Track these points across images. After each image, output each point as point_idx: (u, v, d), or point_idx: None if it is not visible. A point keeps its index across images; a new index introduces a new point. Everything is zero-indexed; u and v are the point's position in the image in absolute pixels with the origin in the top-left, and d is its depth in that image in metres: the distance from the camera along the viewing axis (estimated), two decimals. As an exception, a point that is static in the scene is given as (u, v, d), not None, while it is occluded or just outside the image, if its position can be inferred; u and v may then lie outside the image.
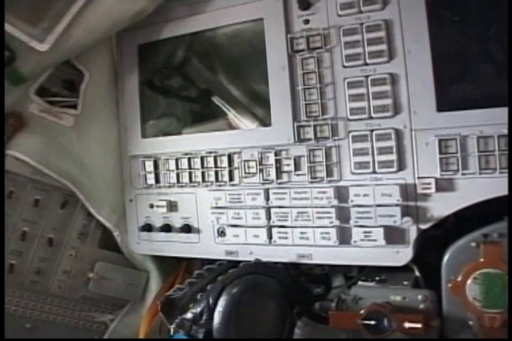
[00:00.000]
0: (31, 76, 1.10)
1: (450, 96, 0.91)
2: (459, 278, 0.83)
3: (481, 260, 0.82)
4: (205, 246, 1.16)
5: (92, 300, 1.28)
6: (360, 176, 0.98)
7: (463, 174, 0.90)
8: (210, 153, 1.13)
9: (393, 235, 0.95)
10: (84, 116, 1.21)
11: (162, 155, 1.19)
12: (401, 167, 0.94)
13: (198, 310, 0.99)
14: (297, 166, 1.04)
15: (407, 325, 0.85)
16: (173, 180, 1.18)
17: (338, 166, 1.00)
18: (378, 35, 0.95)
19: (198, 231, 1.17)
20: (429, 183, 0.91)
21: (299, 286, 1.04)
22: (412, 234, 0.94)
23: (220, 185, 1.12)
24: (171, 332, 1.00)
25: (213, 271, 1.12)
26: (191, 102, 1.29)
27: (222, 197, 1.10)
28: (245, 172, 1.09)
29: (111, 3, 1.05)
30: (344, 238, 0.99)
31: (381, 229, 0.94)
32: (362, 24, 0.96)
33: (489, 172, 0.88)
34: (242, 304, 0.96)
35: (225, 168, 1.11)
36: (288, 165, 1.04)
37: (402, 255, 0.95)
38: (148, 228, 1.22)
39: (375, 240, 0.95)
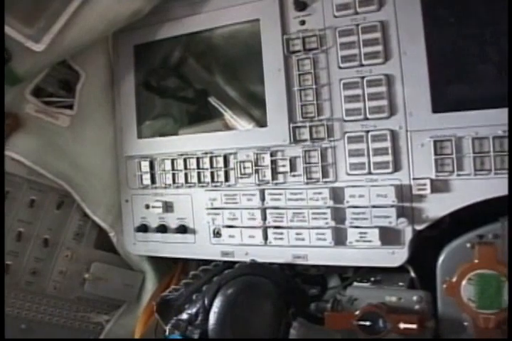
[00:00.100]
0: (27, 76, 1.10)
1: (445, 97, 0.91)
2: (454, 279, 0.83)
3: (476, 261, 0.82)
4: (200, 247, 1.16)
5: (88, 301, 1.28)
6: (356, 177, 0.98)
7: (458, 175, 0.90)
8: (206, 153, 1.13)
9: (388, 236, 0.95)
10: (80, 117, 1.21)
11: (158, 155, 1.19)
12: (396, 168, 0.95)
13: (194, 310, 0.99)
14: (293, 167, 1.04)
15: (402, 325, 0.85)
16: (169, 180, 1.18)
17: (334, 167, 1.00)
18: (374, 36, 0.95)
19: (193, 231, 1.17)
20: (425, 184, 0.92)
21: (295, 287, 1.04)
22: (408, 234, 0.94)
23: (215, 186, 1.12)
24: (167, 332, 0.99)
25: (209, 271, 1.12)
26: (188, 103, 1.28)
27: (217, 197, 1.10)
28: (241, 173, 1.09)
29: (107, 3, 1.05)
30: (340, 239, 0.99)
31: (376, 230, 0.94)
32: (358, 25, 0.96)
33: (484, 174, 0.88)
34: (237, 305, 0.96)
35: (220, 168, 1.11)
36: (283, 165, 1.05)
37: (397, 256, 0.95)
38: (144, 229, 1.22)
39: (370, 241, 0.95)
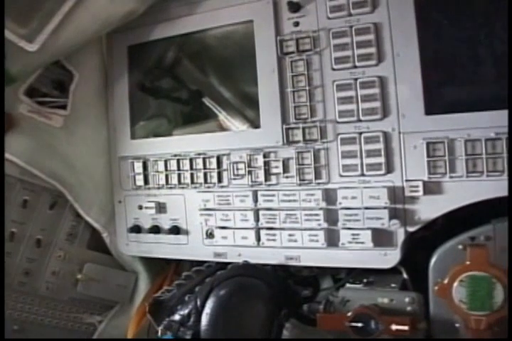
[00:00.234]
0: (20, 76, 1.10)
1: (438, 99, 0.91)
2: (446, 281, 0.83)
3: (468, 263, 0.82)
4: (193, 248, 1.16)
5: (81, 302, 1.27)
6: (349, 179, 0.98)
7: (450, 177, 0.90)
8: (199, 154, 1.13)
9: (381, 237, 0.95)
10: (73, 117, 1.20)
11: (151, 156, 1.19)
12: (389, 170, 0.95)
13: (186, 311, 0.99)
14: (286, 168, 1.04)
15: (394, 327, 0.85)
16: (162, 181, 1.17)
17: (327, 168, 1.00)
18: (367, 38, 0.95)
19: (186, 232, 1.16)
20: (417, 186, 0.92)
21: (287, 288, 1.04)
22: (400, 236, 0.95)
23: (208, 187, 1.12)
24: (159, 333, 0.99)
25: (201, 272, 1.12)
26: (182, 103, 1.28)
27: (210, 198, 1.10)
28: (234, 174, 1.09)
29: (101, 3, 1.05)
30: (332, 240, 0.99)
31: (369, 232, 0.94)
32: (351, 27, 0.96)
33: (476, 176, 0.88)
34: (229, 306, 0.96)
35: (213, 169, 1.11)
36: (276, 167, 1.05)
37: (389, 257, 0.96)
38: (136, 229, 1.22)
39: (362, 242, 0.95)
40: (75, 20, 1.04)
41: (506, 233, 0.84)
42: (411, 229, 0.94)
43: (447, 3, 0.90)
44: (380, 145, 0.94)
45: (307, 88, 1.01)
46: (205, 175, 1.12)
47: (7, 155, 1.12)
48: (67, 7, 1.02)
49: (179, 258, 1.21)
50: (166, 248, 1.19)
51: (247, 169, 1.07)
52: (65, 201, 1.22)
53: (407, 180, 0.93)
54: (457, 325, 0.86)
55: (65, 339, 1.25)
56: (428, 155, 0.91)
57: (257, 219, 1.06)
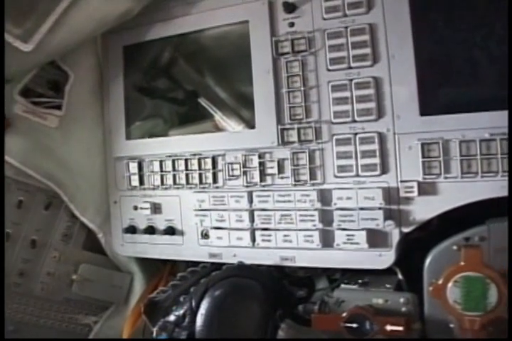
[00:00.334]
0: (15, 76, 1.10)
1: (433, 100, 0.92)
2: (440, 281, 0.83)
3: (462, 263, 0.82)
4: (188, 249, 1.16)
5: (76, 302, 1.27)
6: (344, 179, 0.98)
7: (445, 178, 0.90)
8: (194, 155, 1.13)
9: (376, 238, 0.95)
10: (68, 117, 1.20)
11: (146, 156, 1.19)
12: (384, 170, 0.95)
13: (181, 312, 0.99)
14: (281, 169, 1.04)
15: (388, 327, 0.86)
16: (157, 182, 1.17)
17: (322, 169, 1.00)
18: (362, 38, 0.95)
19: (181, 233, 1.16)
20: (412, 187, 0.92)
21: (282, 289, 1.04)
22: (395, 237, 0.95)
23: (203, 188, 1.12)
24: (154, 334, 0.99)
25: (196, 273, 1.12)
26: (178, 104, 1.28)
27: (205, 199, 1.10)
28: (229, 175, 1.09)
29: (96, 3, 1.05)
30: (327, 241, 0.99)
31: (364, 232, 0.94)
32: (346, 28, 0.97)
33: (471, 176, 0.88)
34: (224, 307, 0.96)
35: (208, 170, 1.11)
36: (272, 167, 1.05)
37: (384, 258, 0.96)
38: (132, 230, 1.22)
39: (357, 243, 0.95)
40: (70, 21, 1.04)
41: (500, 233, 0.84)
42: (406, 230, 0.94)
43: (442, 5, 0.90)
44: (375, 146, 0.95)
45: (302, 89, 1.01)
46: (200, 175, 1.12)
47: (2, 156, 1.12)
48: (62, 7, 1.02)
49: (174, 258, 1.21)
50: (161, 248, 1.19)
51: (242, 170, 1.07)
52: (60, 201, 1.22)
53: (401, 181, 0.94)
54: (451, 325, 0.86)
55: (63, 340, 1.25)
56: (423, 156, 0.91)
57: (252, 219, 1.06)
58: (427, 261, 0.90)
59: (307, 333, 0.95)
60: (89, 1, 1.04)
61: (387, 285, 0.95)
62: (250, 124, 1.09)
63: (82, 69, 1.22)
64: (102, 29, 1.12)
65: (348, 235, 0.96)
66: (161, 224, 1.19)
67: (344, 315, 0.89)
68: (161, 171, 1.17)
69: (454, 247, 0.87)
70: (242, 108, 1.13)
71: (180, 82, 1.24)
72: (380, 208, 0.93)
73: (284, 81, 1.02)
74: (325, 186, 1.00)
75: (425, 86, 0.91)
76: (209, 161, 1.11)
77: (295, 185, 1.03)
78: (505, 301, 0.79)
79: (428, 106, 0.91)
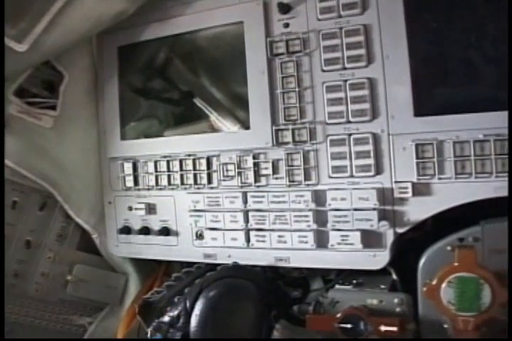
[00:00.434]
0: (10, 76, 1.09)
1: (427, 101, 0.92)
2: (434, 282, 0.83)
3: (456, 264, 0.82)
4: (183, 249, 1.16)
5: (71, 303, 1.27)
6: (338, 180, 0.98)
7: (439, 178, 0.90)
8: (189, 155, 1.13)
9: (370, 239, 0.95)
10: (63, 118, 1.20)
11: (141, 157, 1.19)
12: (378, 171, 0.95)
13: (175, 313, 0.99)
14: (275, 170, 1.04)
15: (383, 328, 0.86)
16: (152, 182, 1.17)
17: (316, 170, 1.00)
18: (357, 39, 0.95)
19: (176, 234, 1.16)
20: (406, 187, 0.92)
21: (277, 289, 1.04)
22: (389, 237, 0.95)
23: (198, 188, 1.12)
24: (148, 335, 0.99)
25: (191, 274, 1.11)
26: (173, 104, 1.28)
27: (200, 200, 1.10)
28: (224, 176, 1.09)
29: (91, 3, 1.04)
30: (321, 241, 0.99)
31: (358, 233, 0.94)
32: (341, 28, 0.97)
33: (465, 177, 0.89)
34: (219, 307, 0.96)
35: (203, 170, 1.11)
36: (266, 168, 1.05)
37: (378, 258, 0.96)
38: (126, 230, 1.21)
39: (352, 244, 0.95)
40: (65, 21, 1.03)
41: (494, 234, 0.85)
42: (400, 231, 0.94)
43: (436, 5, 0.91)
44: (370, 147, 0.95)
45: (297, 89, 1.01)
46: (194, 176, 1.12)
47: (-4, 156, 1.12)
48: (57, 7, 1.01)
49: (169, 259, 1.21)
50: (155, 249, 1.19)
51: (236, 170, 1.07)
52: (55, 202, 1.22)
53: (396, 182, 0.94)
54: (445, 325, 0.86)
55: (61, 340, 1.25)
56: (417, 157, 0.91)
57: (246, 220, 1.06)
58: (421, 261, 0.90)
59: (302, 334, 0.95)
60: (84, 1, 1.03)
61: (382, 286, 0.95)
62: (246, 125, 1.08)
63: (77, 69, 1.21)
64: (97, 29, 1.12)
65: (342, 236, 0.96)
66: (155, 224, 1.19)
67: (338, 315, 0.89)
68: (156, 172, 1.17)
69: (448, 248, 0.87)
70: (238, 108, 1.13)
71: (175, 82, 1.24)
72: (374, 209, 0.94)
73: (279, 82, 1.02)
74: (319, 187, 1.00)
75: (419, 87, 0.91)
76: (204, 162, 1.11)
77: (289, 185, 1.02)
78: (499, 302, 0.79)
79: (422, 107, 0.91)
